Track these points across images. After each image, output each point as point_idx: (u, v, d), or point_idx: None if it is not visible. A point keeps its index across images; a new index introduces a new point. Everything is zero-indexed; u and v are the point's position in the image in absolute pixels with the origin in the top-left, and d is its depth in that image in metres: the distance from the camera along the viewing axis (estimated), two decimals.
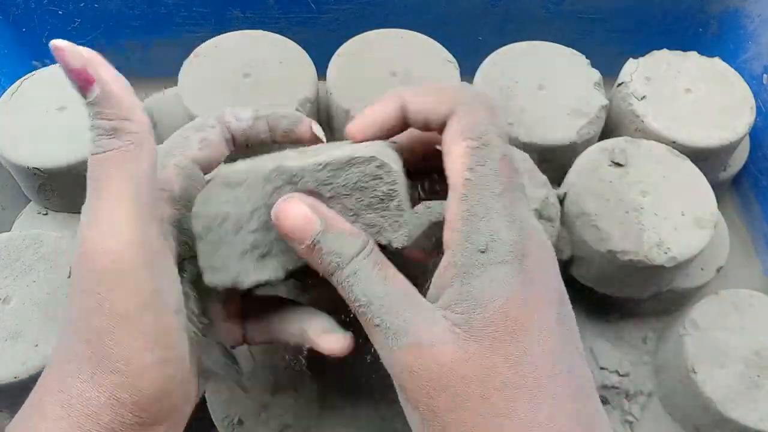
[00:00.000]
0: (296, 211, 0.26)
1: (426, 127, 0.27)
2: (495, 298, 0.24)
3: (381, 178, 0.26)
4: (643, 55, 0.52)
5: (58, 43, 0.23)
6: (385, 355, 0.25)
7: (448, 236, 0.25)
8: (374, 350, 0.26)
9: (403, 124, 0.28)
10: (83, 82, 0.24)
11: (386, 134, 0.28)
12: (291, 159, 0.28)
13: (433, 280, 0.26)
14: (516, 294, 0.24)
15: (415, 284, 0.26)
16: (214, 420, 0.37)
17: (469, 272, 0.24)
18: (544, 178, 0.42)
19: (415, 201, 0.29)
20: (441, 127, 0.27)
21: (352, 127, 0.29)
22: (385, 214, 0.26)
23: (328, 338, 0.29)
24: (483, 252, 0.24)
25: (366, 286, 0.25)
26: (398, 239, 0.26)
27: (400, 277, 0.25)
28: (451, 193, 0.25)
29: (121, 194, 0.24)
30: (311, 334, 0.29)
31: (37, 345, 0.36)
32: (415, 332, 0.24)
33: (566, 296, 0.26)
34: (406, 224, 0.26)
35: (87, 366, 0.24)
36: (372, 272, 0.25)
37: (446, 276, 0.25)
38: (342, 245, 0.25)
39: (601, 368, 0.45)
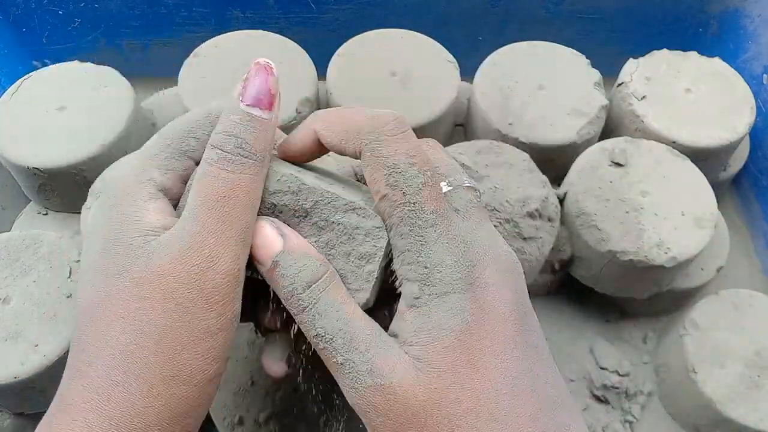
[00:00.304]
0: (260, 230, 0.25)
1: (343, 154, 0.27)
2: (450, 328, 0.23)
3: (370, 240, 0.26)
4: (643, 55, 0.52)
5: (271, 63, 0.26)
6: (349, 394, 0.24)
7: (400, 273, 0.25)
8: None
9: (323, 148, 0.28)
10: (265, 103, 0.26)
11: (308, 159, 0.28)
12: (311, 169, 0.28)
13: (395, 315, 0.25)
14: (471, 321, 0.24)
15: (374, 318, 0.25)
16: (214, 420, 0.37)
17: (423, 305, 0.24)
18: (544, 178, 0.42)
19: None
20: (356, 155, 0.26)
21: (278, 153, 0.29)
22: (357, 271, 0.26)
23: (274, 366, 0.30)
24: (431, 285, 0.24)
25: (327, 319, 0.24)
26: (357, 299, 0.26)
27: (360, 312, 0.25)
28: (391, 232, 0.25)
29: (236, 225, 0.24)
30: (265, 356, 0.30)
31: (37, 345, 0.36)
32: (380, 372, 0.23)
33: (529, 307, 0.26)
34: (369, 291, 0.26)
35: (144, 381, 0.24)
36: (334, 304, 0.24)
37: (402, 311, 0.25)
38: (302, 267, 0.25)
39: (601, 368, 0.45)
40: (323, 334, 0.24)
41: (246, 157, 0.25)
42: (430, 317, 0.24)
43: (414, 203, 0.24)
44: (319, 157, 0.28)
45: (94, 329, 0.25)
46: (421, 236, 0.24)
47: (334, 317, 0.24)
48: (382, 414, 0.23)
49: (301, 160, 0.28)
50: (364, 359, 0.24)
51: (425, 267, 0.24)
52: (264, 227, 0.25)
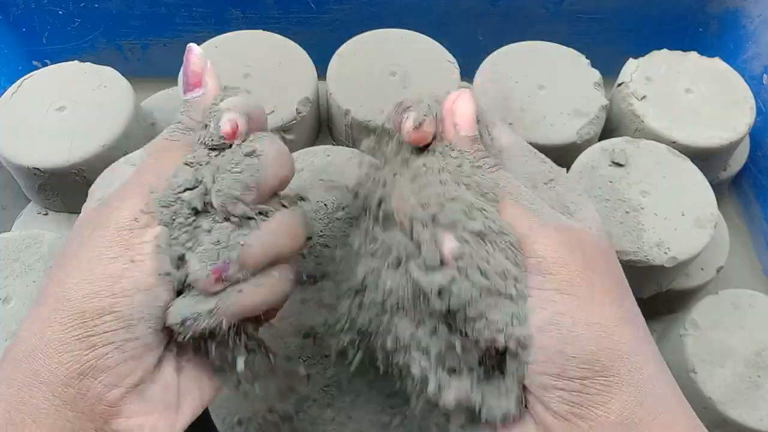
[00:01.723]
0: (469, 103, 0.30)
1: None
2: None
3: None
4: (643, 55, 0.52)
5: (193, 46, 0.30)
6: (541, 237, 0.26)
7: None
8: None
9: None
10: (194, 83, 0.30)
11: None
12: None
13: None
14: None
15: None
16: (213, 420, 0.37)
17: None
18: None
19: None
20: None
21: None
22: None
23: None
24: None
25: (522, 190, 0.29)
26: None
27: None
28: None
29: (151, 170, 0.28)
30: None
31: None
32: (571, 223, 0.28)
33: None
34: None
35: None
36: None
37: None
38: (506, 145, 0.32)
39: None
40: (524, 197, 0.28)
41: (181, 131, 0.29)
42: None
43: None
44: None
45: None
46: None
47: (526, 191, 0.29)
48: (574, 249, 0.26)
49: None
50: (547, 212, 0.28)
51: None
52: (469, 98, 0.30)
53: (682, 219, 0.42)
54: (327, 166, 0.41)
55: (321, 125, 0.53)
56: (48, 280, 0.26)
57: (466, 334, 0.26)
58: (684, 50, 0.52)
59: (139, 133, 0.48)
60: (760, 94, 0.54)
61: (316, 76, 0.49)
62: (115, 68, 0.49)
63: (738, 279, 0.52)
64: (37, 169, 0.44)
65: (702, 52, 0.52)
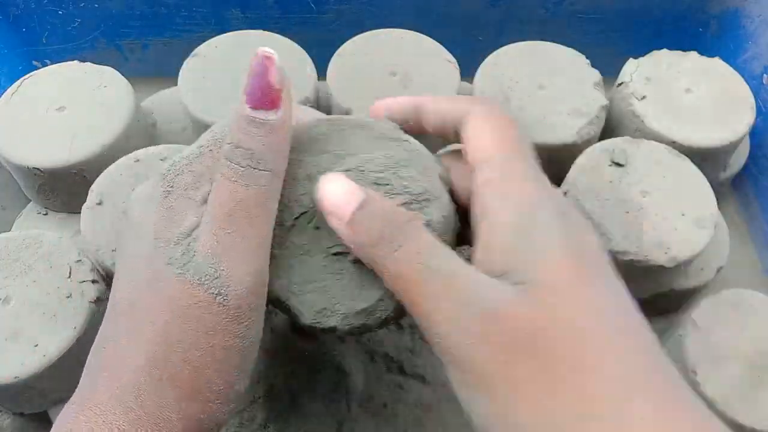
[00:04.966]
0: (335, 180, 0.25)
1: (441, 127, 0.27)
2: (553, 245, 0.23)
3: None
4: (643, 55, 0.52)
5: (269, 52, 0.25)
6: (449, 331, 0.23)
7: (485, 202, 0.25)
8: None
9: (418, 122, 0.28)
10: (268, 102, 0.24)
11: (401, 122, 0.29)
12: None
13: (478, 247, 0.25)
14: (567, 235, 0.23)
15: None
16: None
17: (518, 230, 0.23)
18: None
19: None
20: (453, 129, 0.27)
21: (377, 106, 0.29)
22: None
23: None
24: (520, 210, 0.24)
25: (427, 253, 0.23)
26: None
27: (450, 248, 0.24)
28: (479, 168, 0.25)
29: (251, 236, 0.24)
30: None
31: (36, 345, 0.36)
32: (485, 299, 0.22)
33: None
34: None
35: (172, 392, 0.24)
36: (430, 239, 0.24)
37: (486, 242, 0.24)
38: (391, 212, 0.24)
39: None
40: (424, 267, 0.23)
41: (255, 168, 0.24)
42: (526, 238, 0.23)
43: (515, 140, 0.26)
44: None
45: (127, 328, 0.24)
46: (515, 170, 0.25)
47: (433, 250, 0.23)
48: (489, 343, 0.22)
49: (396, 120, 0.29)
50: (469, 288, 0.23)
51: (516, 196, 0.24)
52: (340, 179, 0.25)
53: (682, 219, 0.42)
54: None
55: None
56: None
57: None
58: (684, 50, 0.52)
59: (139, 133, 0.48)
60: (760, 94, 0.54)
61: (316, 76, 0.49)
62: (115, 68, 0.49)
63: (738, 279, 0.52)
64: (37, 169, 0.44)
65: (702, 52, 0.52)
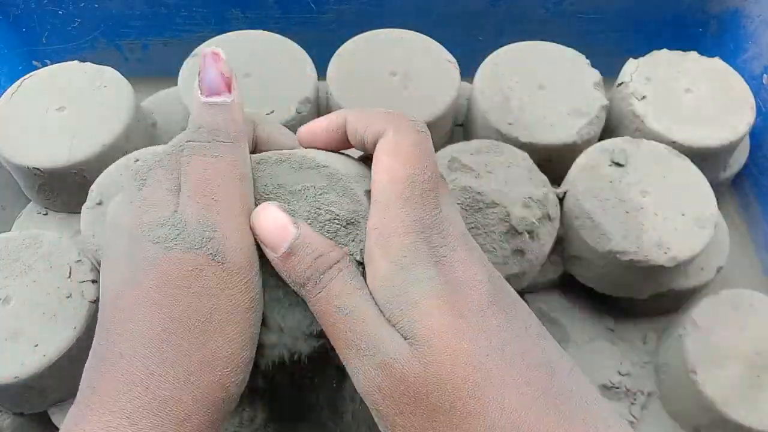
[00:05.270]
0: (270, 213, 0.26)
1: (362, 145, 0.28)
2: (422, 308, 0.24)
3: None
4: (643, 55, 0.52)
5: (217, 50, 0.27)
6: (357, 377, 0.24)
7: (370, 248, 0.25)
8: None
9: (344, 138, 0.29)
10: (222, 88, 0.27)
11: (329, 145, 0.29)
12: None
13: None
14: (441, 290, 0.24)
15: None
16: None
17: (395, 286, 0.24)
18: (543, 177, 0.42)
19: None
20: (373, 148, 0.27)
21: (302, 132, 0.30)
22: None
23: None
24: (396, 262, 0.24)
25: (345, 296, 0.24)
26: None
27: (368, 292, 0.25)
28: (372, 206, 0.26)
29: (237, 199, 0.26)
30: None
31: (37, 345, 0.36)
32: (385, 349, 0.24)
33: (504, 285, 0.26)
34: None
35: (181, 368, 0.24)
36: (351, 282, 0.25)
37: (375, 291, 0.25)
38: (320, 253, 0.25)
39: (601, 368, 0.45)
40: (342, 309, 0.24)
41: (219, 141, 0.26)
42: (402, 295, 0.24)
43: (401, 181, 0.25)
44: (335, 147, 0.29)
45: (123, 318, 0.25)
46: (394, 215, 0.25)
47: (351, 293, 0.24)
48: (388, 396, 0.23)
49: (323, 143, 0.29)
50: (373, 336, 0.24)
51: (390, 252, 0.25)
52: (275, 211, 0.26)
53: (682, 219, 0.42)
54: None
55: None
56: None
57: None
58: (684, 50, 0.52)
59: (139, 133, 0.48)
60: (760, 94, 0.54)
61: (316, 76, 0.49)
62: (115, 68, 0.49)
63: (738, 279, 0.52)
64: (37, 169, 0.44)
65: (702, 52, 0.52)
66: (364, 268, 0.26)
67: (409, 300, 0.24)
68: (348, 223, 0.26)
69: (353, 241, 0.26)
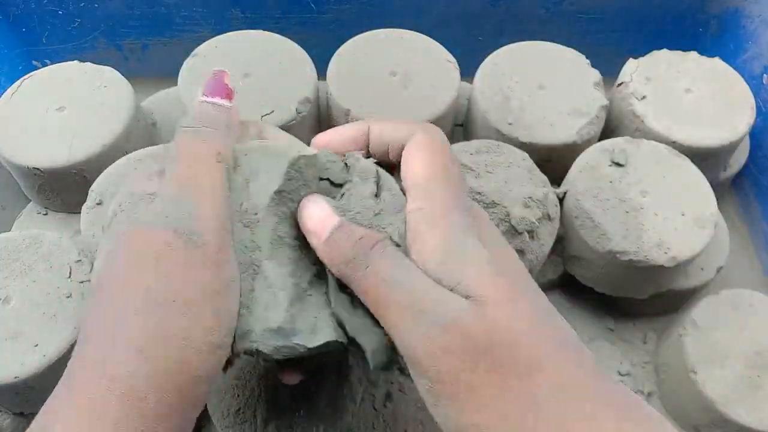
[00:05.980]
0: (317, 202, 0.28)
1: (384, 152, 0.29)
2: (480, 269, 0.25)
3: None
4: (643, 55, 0.52)
5: (223, 69, 0.30)
6: (415, 337, 0.25)
7: (416, 227, 0.26)
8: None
9: (365, 145, 0.30)
10: (224, 93, 0.29)
11: (347, 149, 0.30)
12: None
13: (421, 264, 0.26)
14: (491, 256, 0.26)
15: None
16: (211, 416, 0.37)
17: (449, 253, 0.25)
18: (543, 177, 0.42)
19: None
20: (396, 154, 0.29)
21: (318, 139, 0.30)
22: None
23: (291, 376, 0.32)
24: (453, 238, 0.26)
25: (394, 269, 0.25)
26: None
27: (415, 265, 0.26)
28: (410, 193, 0.27)
29: (215, 181, 0.27)
30: None
31: (37, 345, 0.36)
32: (446, 311, 0.24)
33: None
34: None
35: (132, 345, 0.24)
36: (397, 256, 0.26)
37: (425, 261, 0.26)
38: (362, 234, 0.26)
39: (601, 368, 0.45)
40: (392, 280, 0.25)
41: (210, 128, 0.28)
42: (458, 260, 0.25)
43: (444, 166, 0.27)
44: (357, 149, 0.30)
45: (95, 302, 0.25)
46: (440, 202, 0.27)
47: (399, 266, 0.25)
48: (453, 353, 0.24)
49: (341, 149, 0.30)
50: (429, 299, 0.24)
51: (439, 227, 0.26)
52: (321, 202, 0.28)
53: (682, 219, 0.42)
54: None
55: (321, 125, 0.53)
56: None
57: None
58: (684, 50, 0.52)
59: (139, 133, 0.48)
60: (760, 94, 0.54)
61: (316, 76, 0.49)
62: (115, 68, 0.49)
63: (738, 279, 0.52)
64: (37, 169, 0.44)
65: (702, 52, 0.52)
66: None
67: (465, 264, 0.25)
68: (375, 215, 0.28)
69: (384, 229, 0.27)
